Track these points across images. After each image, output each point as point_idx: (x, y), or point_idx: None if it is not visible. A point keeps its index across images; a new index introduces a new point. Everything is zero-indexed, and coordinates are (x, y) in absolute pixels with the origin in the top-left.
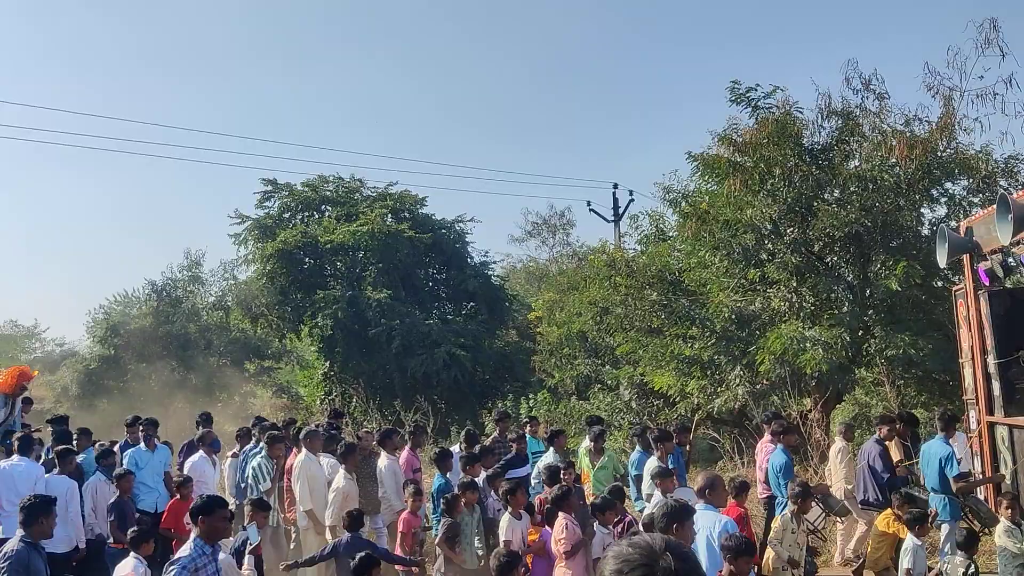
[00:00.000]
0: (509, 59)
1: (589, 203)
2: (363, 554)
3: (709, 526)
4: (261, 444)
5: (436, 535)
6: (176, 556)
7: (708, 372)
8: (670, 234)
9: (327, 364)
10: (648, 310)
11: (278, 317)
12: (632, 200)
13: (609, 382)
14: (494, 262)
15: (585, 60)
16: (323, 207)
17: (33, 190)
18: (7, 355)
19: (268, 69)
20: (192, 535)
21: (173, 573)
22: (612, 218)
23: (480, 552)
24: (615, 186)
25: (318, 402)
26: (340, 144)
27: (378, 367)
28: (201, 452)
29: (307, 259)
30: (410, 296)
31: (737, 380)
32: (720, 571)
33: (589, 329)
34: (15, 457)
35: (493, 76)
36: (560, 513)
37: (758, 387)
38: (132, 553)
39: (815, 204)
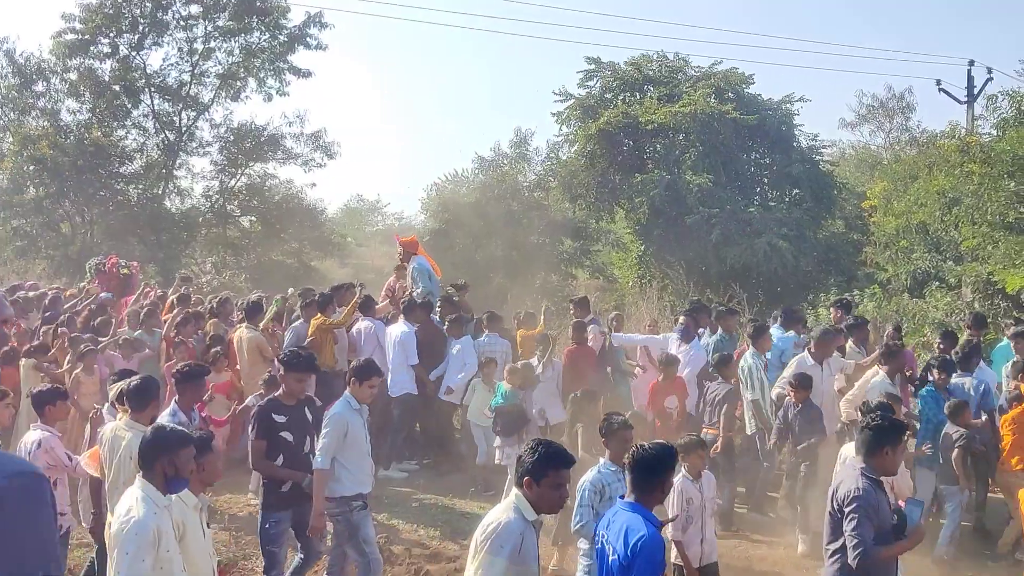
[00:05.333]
0: None
1: (939, 82)
2: None
3: None
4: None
5: None
6: None
7: None
8: None
9: (642, 248)
10: (1004, 202)
11: (596, 198)
12: (990, 79)
13: (950, 280)
14: (823, 147)
15: None
16: (645, 87)
17: (374, 70)
18: (352, 227)
19: None
20: None
21: None
22: (965, 99)
23: None
24: (971, 63)
25: (630, 284)
26: (666, 17)
27: (694, 255)
28: None
29: (627, 140)
30: (731, 181)
31: None
32: None
33: (932, 220)
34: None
35: None
36: None
37: None
38: None
39: None
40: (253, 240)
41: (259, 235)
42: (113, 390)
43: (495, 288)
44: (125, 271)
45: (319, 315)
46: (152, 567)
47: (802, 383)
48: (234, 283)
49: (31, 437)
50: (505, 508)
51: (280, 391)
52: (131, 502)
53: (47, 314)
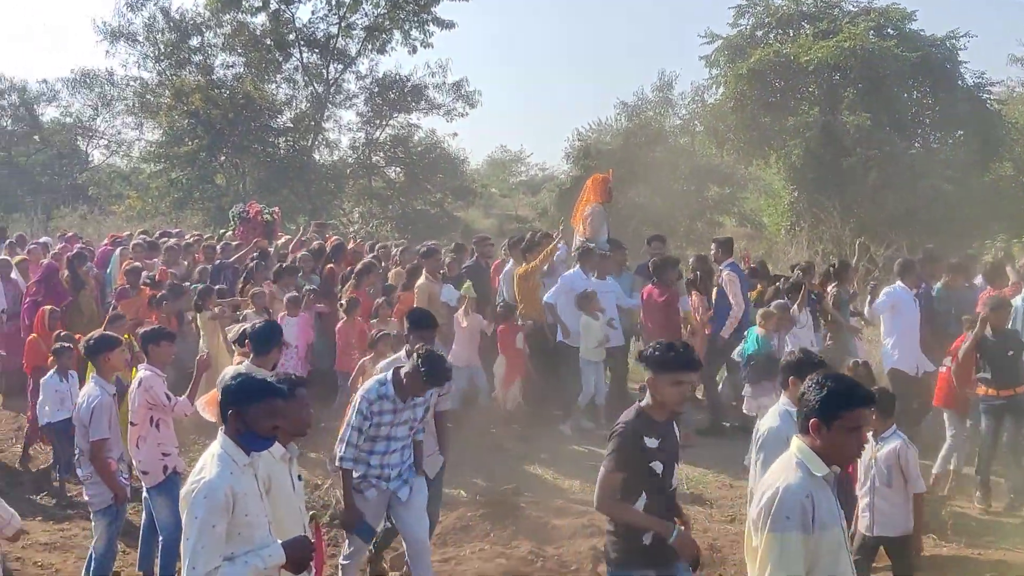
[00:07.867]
0: None
1: None
2: None
3: None
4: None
5: None
6: None
7: None
8: None
9: (794, 194)
10: None
11: (745, 142)
12: None
13: None
14: (990, 84)
15: None
16: (800, 23)
17: (520, 18)
18: (496, 178)
19: None
20: None
21: None
22: None
23: None
24: None
25: (782, 232)
26: None
27: (851, 200)
28: None
29: (778, 80)
30: (891, 122)
31: None
32: None
33: None
34: None
35: None
36: None
37: None
38: None
39: None
40: (397, 190)
41: (403, 185)
42: (233, 331)
43: (633, 235)
44: (268, 217)
45: (523, 264)
46: (227, 533)
47: None
48: (380, 233)
49: (138, 375)
50: (784, 467)
51: (646, 400)
52: (205, 460)
53: (217, 262)
